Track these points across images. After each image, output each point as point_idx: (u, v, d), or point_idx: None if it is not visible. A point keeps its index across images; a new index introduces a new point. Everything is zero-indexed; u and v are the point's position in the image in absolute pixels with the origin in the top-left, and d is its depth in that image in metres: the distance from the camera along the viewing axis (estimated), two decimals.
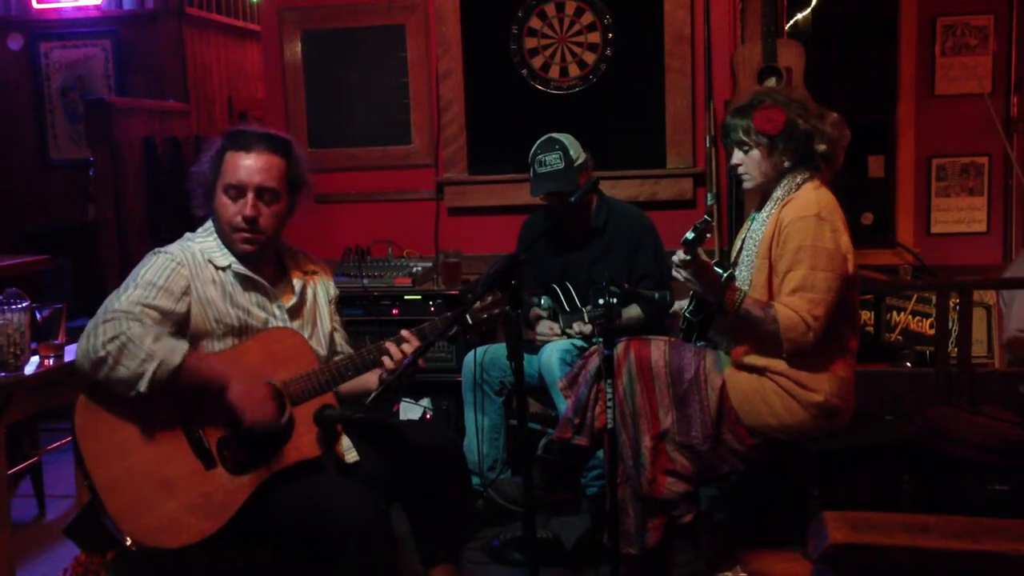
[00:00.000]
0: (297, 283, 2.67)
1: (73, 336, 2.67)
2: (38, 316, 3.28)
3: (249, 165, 2.51)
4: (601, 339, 2.67)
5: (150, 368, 2.27)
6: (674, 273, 2.81)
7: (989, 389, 3.77)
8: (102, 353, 2.28)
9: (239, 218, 2.51)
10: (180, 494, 2.32)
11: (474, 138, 4.81)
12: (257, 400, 2.37)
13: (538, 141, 3.72)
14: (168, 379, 2.29)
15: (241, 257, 2.54)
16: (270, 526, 2.38)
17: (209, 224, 2.61)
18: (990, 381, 3.83)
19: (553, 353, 3.49)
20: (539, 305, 3.64)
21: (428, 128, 4.85)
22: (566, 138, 3.70)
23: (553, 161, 3.63)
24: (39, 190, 6.83)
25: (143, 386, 2.28)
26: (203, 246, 2.54)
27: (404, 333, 2.56)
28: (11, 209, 6.71)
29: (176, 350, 2.31)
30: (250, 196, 2.51)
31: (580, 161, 3.67)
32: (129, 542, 2.26)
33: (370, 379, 2.60)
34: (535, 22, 4.71)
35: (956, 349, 3.91)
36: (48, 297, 3.74)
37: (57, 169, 6.84)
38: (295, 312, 2.63)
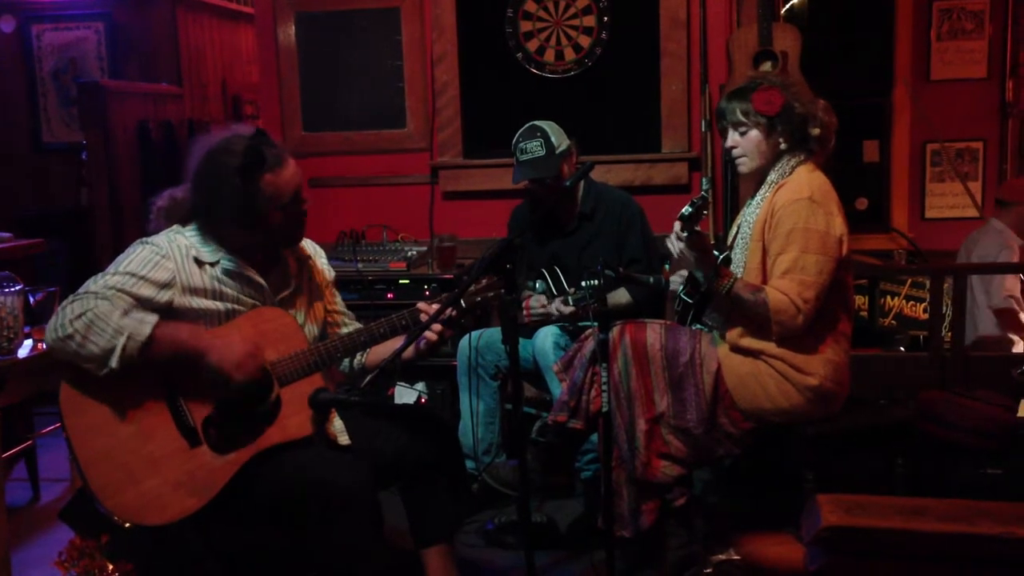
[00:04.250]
0: (292, 268, 2.66)
1: None
2: (32, 300, 3.28)
3: (294, 172, 2.50)
4: (585, 323, 2.65)
5: (119, 343, 2.24)
6: (668, 246, 2.77)
7: (982, 373, 3.78)
8: (69, 330, 2.25)
9: (302, 220, 2.56)
10: (164, 471, 2.32)
11: (469, 122, 4.80)
12: (238, 356, 2.35)
13: (520, 129, 3.73)
14: (140, 353, 2.27)
15: (234, 251, 2.51)
16: (258, 499, 2.39)
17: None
18: (983, 365, 3.85)
19: (547, 338, 3.50)
20: (533, 288, 3.64)
21: (423, 112, 4.84)
22: (548, 125, 3.70)
23: (534, 148, 3.64)
24: (32, 174, 6.79)
25: (114, 362, 2.25)
26: (191, 240, 2.49)
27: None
28: (4, 193, 6.68)
29: (145, 322, 2.28)
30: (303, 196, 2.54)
31: (562, 148, 3.67)
32: (117, 518, 2.26)
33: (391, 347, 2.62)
34: (530, 5, 4.69)
35: (950, 333, 3.92)
36: (42, 281, 3.72)
37: (50, 153, 6.80)
38: (289, 300, 2.62)
